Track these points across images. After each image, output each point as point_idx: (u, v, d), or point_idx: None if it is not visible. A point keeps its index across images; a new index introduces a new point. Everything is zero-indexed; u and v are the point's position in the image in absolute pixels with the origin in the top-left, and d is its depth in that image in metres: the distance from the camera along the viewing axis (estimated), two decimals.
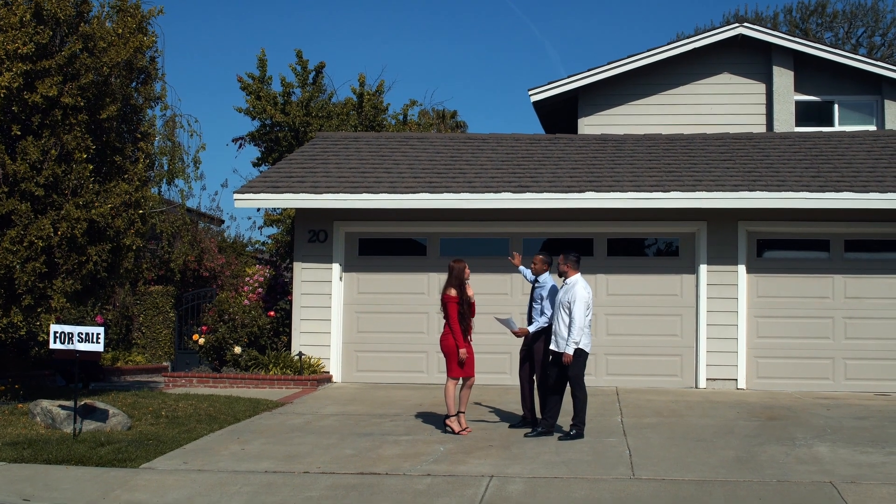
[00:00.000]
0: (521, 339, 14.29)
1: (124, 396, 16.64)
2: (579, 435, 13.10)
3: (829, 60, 23.76)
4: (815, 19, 49.92)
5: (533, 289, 14.10)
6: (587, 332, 13.19)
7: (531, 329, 13.97)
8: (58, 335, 13.35)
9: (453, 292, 13.53)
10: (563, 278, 13.45)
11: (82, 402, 13.86)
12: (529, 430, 13.60)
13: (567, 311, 13.13)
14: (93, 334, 13.52)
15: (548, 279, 13.91)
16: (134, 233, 16.58)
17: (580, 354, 13.15)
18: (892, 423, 14.55)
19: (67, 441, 12.74)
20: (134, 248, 16.67)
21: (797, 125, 23.82)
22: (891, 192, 17.83)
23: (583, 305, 13.08)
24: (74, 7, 15.98)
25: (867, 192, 17.88)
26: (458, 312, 13.52)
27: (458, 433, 13.40)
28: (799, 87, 24.03)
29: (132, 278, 19.89)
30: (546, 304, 13.75)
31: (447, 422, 13.56)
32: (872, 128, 23.76)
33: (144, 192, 17.28)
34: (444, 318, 13.63)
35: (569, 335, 13.05)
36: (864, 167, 19.18)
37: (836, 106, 24.26)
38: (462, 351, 13.42)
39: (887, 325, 18.39)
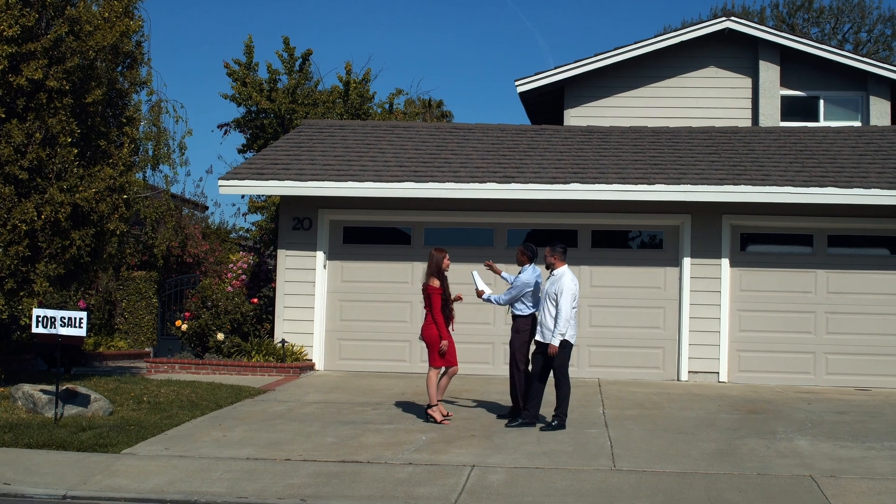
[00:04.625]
0: (508, 331, 14.30)
1: (106, 382, 16.62)
2: (561, 426, 13.14)
3: (816, 56, 23.84)
4: (801, 14, 50.00)
5: (515, 279, 14.09)
6: (573, 323, 13.21)
7: (485, 297, 14.18)
8: (40, 319, 13.33)
9: (436, 283, 13.54)
10: (549, 270, 13.46)
11: (64, 387, 13.83)
12: (509, 419, 13.65)
13: (553, 303, 13.16)
14: (75, 319, 13.50)
15: (531, 270, 13.88)
16: (118, 218, 16.52)
17: (565, 345, 13.17)
18: (872, 418, 14.63)
19: (49, 426, 12.73)
20: (118, 233, 16.62)
21: (783, 120, 23.90)
22: (874, 188, 17.90)
23: (570, 297, 13.10)
24: None
25: (851, 187, 17.94)
26: (441, 300, 13.54)
27: (439, 422, 13.42)
28: (785, 82, 24.10)
29: (115, 263, 19.84)
30: (527, 294, 13.77)
31: (429, 411, 13.57)
32: (857, 123, 23.84)
33: (129, 177, 17.22)
34: (426, 307, 13.65)
35: (555, 327, 13.07)
36: (849, 163, 19.24)
37: (821, 101, 24.34)
38: (444, 343, 13.47)
39: (869, 320, 18.47)
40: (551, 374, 13.33)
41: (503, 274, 14.61)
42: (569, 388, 13.29)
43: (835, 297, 18.59)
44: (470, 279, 16.95)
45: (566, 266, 13.44)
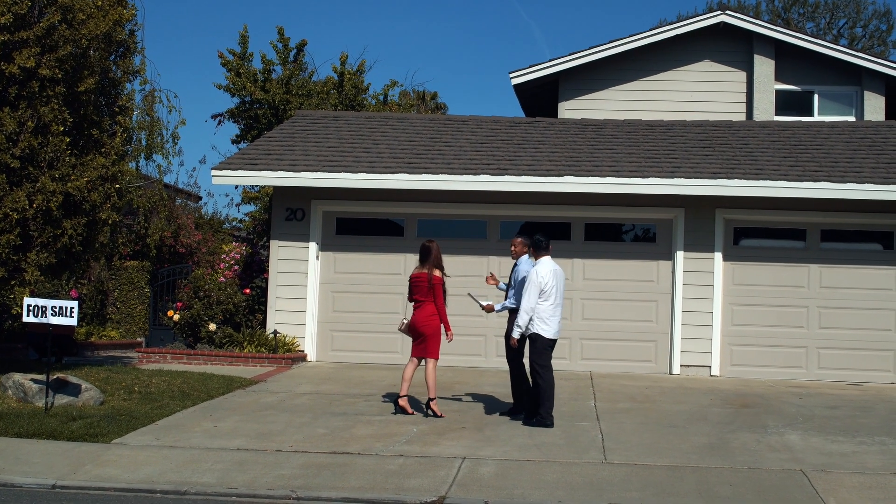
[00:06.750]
0: (501, 322, 14.20)
1: (97, 371, 16.57)
2: (543, 422, 12.79)
3: (810, 50, 23.84)
4: (796, 9, 50.02)
5: (511, 271, 13.96)
6: (544, 315, 12.86)
7: (497, 308, 13.97)
8: (31, 308, 13.28)
9: (439, 273, 13.47)
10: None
11: (55, 376, 13.80)
12: (512, 414, 13.60)
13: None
14: (66, 308, 13.44)
15: (526, 262, 13.76)
16: (110, 207, 16.45)
17: (536, 339, 12.91)
18: (863, 413, 14.63)
19: (39, 415, 12.71)
20: (110, 222, 16.54)
21: (777, 114, 23.90)
22: (868, 182, 17.89)
23: (532, 288, 12.84)
24: None
25: (844, 182, 17.93)
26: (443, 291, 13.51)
27: (440, 416, 13.30)
28: (779, 77, 24.10)
29: (107, 253, 19.78)
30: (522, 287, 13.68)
31: (432, 405, 13.40)
32: (851, 118, 23.84)
33: (121, 167, 17.14)
34: (423, 297, 13.45)
35: (517, 318, 12.98)
36: (842, 157, 19.24)
37: (815, 96, 24.34)
38: (450, 333, 13.51)
39: (861, 315, 18.46)
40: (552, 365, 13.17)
41: (500, 284, 14.44)
42: (547, 383, 12.87)
43: (827, 291, 18.59)
44: (462, 269, 17.03)
45: (547, 258, 13.18)
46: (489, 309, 14.15)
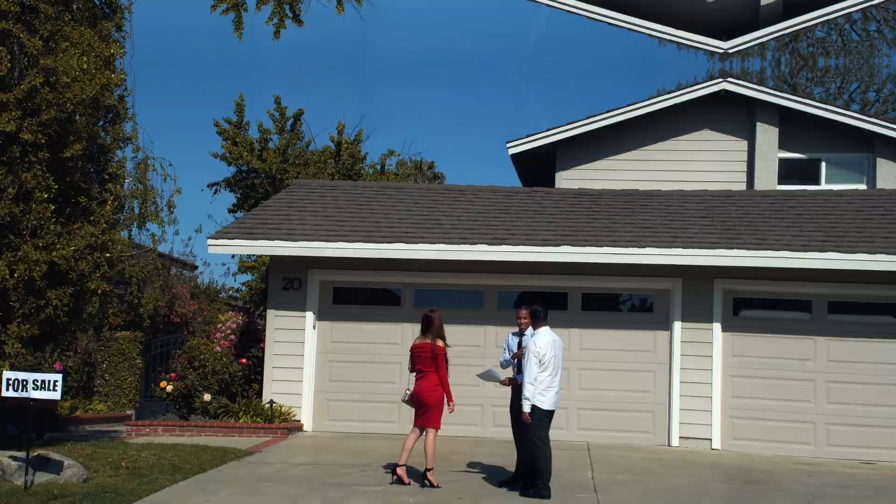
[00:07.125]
0: (497, 392, 13.99)
1: (82, 447, 16.22)
2: (540, 493, 12.71)
3: (817, 116, 23.39)
4: (804, 73, 49.96)
5: (519, 343, 13.82)
6: (542, 387, 12.85)
7: (520, 378, 13.61)
8: (11, 382, 12.96)
9: (442, 343, 13.47)
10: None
11: (35, 453, 13.43)
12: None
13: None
14: (49, 382, 13.14)
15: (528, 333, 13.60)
16: (100, 276, 16.20)
17: (534, 411, 12.84)
18: (878, 493, 14.29)
19: (18, 494, 12.34)
20: (99, 292, 16.31)
21: (781, 183, 23.48)
22: (880, 253, 17.55)
23: (532, 359, 12.83)
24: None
25: (854, 252, 17.59)
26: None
27: (437, 486, 13.18)
28: (784, 144, 23.71)
29: (97, 323, 19.47)
30: None
31: (429, 475, 13.32)
32: (863, 186, 23.29)
33: (112, 235, 16.93)
34: (425, 368, 13.44)
35: (524, 390, 12.80)
36: (852, 227, 18.91)
37: (823, 163, 23.90)
38: (452, 404, 13.51)
39: (874, 390, 17.97)
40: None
41: (502, 359, 14.36)
42: (545, 454, 12.91)
43: (836, 365, 18.16)
44: (459, 339, 16.85)
45: (545, 328, 13.20)
46: (508, 383, 13.99)
